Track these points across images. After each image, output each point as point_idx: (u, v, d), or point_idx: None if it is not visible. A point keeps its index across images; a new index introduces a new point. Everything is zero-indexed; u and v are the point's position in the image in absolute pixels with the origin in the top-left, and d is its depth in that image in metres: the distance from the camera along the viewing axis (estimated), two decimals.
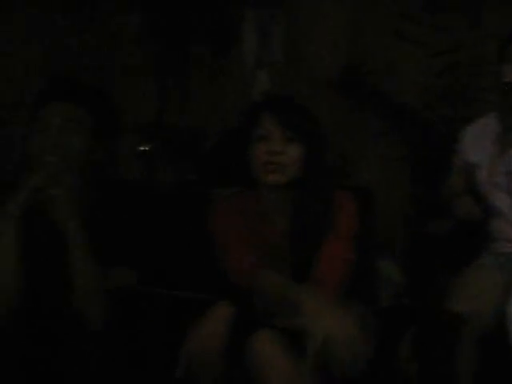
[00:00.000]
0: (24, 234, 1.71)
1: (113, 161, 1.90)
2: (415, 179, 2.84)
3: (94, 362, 1.64)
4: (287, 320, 1.65)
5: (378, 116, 2.91)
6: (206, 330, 1.62)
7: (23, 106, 2.60)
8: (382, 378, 1.86)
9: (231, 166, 1.87)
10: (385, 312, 2.35)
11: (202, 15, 2.82)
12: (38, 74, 2.83)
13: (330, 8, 2.97)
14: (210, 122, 2.85)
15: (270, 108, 1.82)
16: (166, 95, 2.81)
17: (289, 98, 1.92)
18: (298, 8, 2.96)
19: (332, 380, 1.62)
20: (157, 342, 1.80)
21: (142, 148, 2.60)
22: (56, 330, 1.71)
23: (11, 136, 2.77)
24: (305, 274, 1.78)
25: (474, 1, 2.88)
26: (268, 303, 1.68)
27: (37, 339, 1.68)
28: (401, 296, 2.57)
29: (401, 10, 2.87)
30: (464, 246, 2.26)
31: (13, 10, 2.84)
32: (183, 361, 1.60)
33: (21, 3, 2.86)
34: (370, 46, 2.96)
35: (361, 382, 1.68)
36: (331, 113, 2.78)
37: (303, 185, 1.80)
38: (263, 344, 1.59)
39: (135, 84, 2.77)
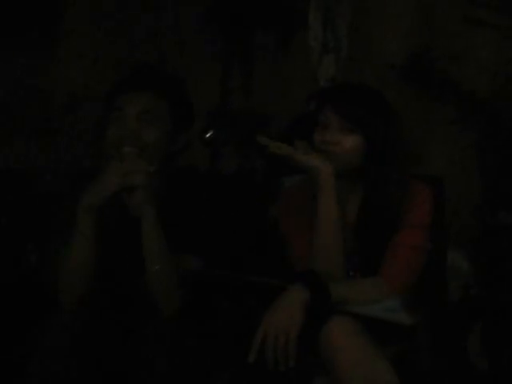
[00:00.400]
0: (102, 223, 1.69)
1: (185, 150, 1.88)
2: (485, 168, 2.77)
3: (167, 348, 1.63)
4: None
5: (446, 103, 2.84)
6: (282, 314, 1.58)
7: None
8: (452, 373, 1.81)
9: None
10: (454, 304, 2.31)
11: (266, 1, 2.80)
12: None
13: None
14: (275, 108, 2.83)
15: (331, 97, 1.80)
16: (232, 82, 2.80)
17: (355, 87, 1.88)
18: None
19: None
20: (226, 327, 1.79)
21: (207, 135, 2.60)
22: (130, 316, 1.72)
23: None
24: (373, 265, 1.76)
25: None
26: None
27: (111, 325, 1.69)
28: (470, 288, 2.51)
29: None
30: None
31: None
32: (256, 345, 1.57)
33: None
34: (439, 31, 2.88)
35: (430, 376, 1.66)
36: (397, 100, 2.72)
37: (369, 174, 1.78)
38: (338, 332, 1.55)
39: (200, 71, 2.77)
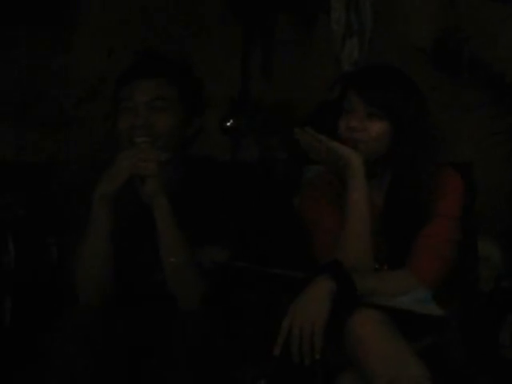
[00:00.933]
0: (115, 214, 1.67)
1: (197, 137, 1.84)
2: None
3: (189, 341, 1.59)
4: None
5: (475, 87, 2.75)
6: (308, 304, 1.52)
7: None
8: (482, 366, 1.74)
9: None
10: (484, 296, 2.24)
11: None
12: None
13: None
14: (297, 95, 2.77)
15: (355, 82, 1.74)
16: (252, 68, 2.74)
17: (380, 69, 1.81)
18: None
19: None
20: (251, 319, 1.75)
21: (227, 123, 2.55)
22: (149, 312, 1.69)
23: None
24: (401, 256, 1.69)
25: None
26: None
27: (130, 321, 1.66)
28: (502, 279, 2.44)
29: None
30: None
31: None
32: (282, 338, 1.51)
33: None
34: (467, 12, 2.79)
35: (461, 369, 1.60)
36: (424, 84, 2.65)
37: (395, 161, 1.72)
38: (364, 324, 1.49)
39: (221, 58, 2.71)
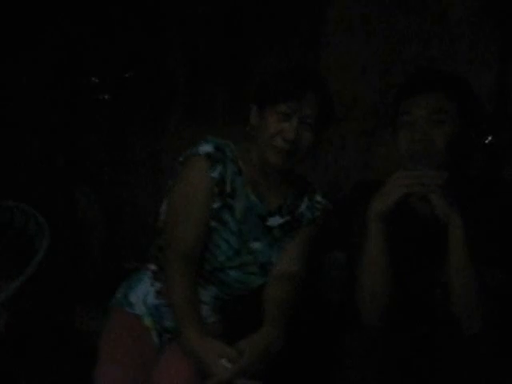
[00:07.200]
0: (391, 233, 1.65)
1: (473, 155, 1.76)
2: None
3: (473, 367, 1.52)
4: None
5: None
6: None
7: None
8: None
9: None
10: None
11: None
12: None
13: None
14: None
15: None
16: (510, 81, 2.57)
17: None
18: None
19: None
20: None
21: (486, 140, 2.42)
22: (429, 331, 1.65)
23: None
24: None
25: None
26: None
27: (412, 341, 1.63)
28: None
29: None
30: None
31: None
32: None
33: None
34: None
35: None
36: None
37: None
38: None
39: (474, 71, 2.58)
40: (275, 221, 1.87)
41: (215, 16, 3.07)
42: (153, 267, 1.90)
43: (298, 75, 1.80)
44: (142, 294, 1.86)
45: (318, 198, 1.93)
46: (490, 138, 2.44)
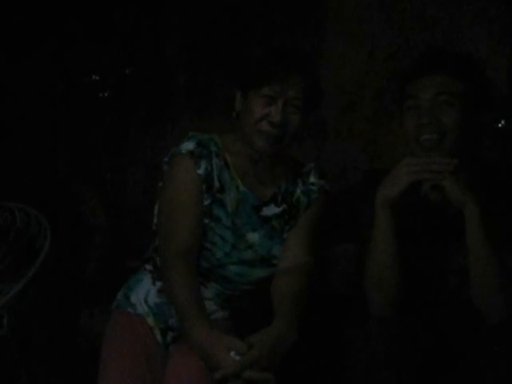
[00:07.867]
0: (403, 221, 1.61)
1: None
2: None
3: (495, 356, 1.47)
4: None
5: None
6: None
7: None
8: None
9: None
10: None
11: None
12: None
13: None
14: None
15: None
16: None
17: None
18: None
19: None
20: None
21: (499, 125, 2.34)
22: (443, 320, 1.61)
23: None
24: None
25: None
26: None
27: (425, 330, 1.58)
28: None
29: None
30: None
31: None
32: None
33: None
34: None
35: None
36: None
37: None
38: None
39: (483, 54, 2.50)
40: (270, 210, 1.80)
41: (215, 12, 3.02)
42: (151, 268, 1.86)
43: (281, 57, 1.73)
44: (143, 293, 1.81)
45: (313, 179, 1.85)
46: (503, 122, 2.37)
